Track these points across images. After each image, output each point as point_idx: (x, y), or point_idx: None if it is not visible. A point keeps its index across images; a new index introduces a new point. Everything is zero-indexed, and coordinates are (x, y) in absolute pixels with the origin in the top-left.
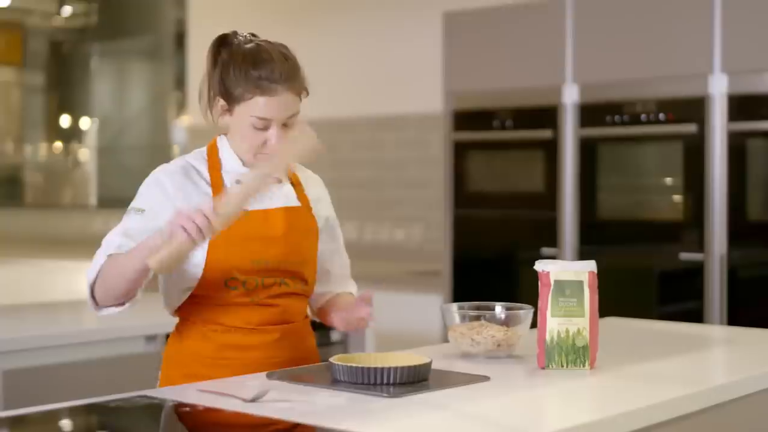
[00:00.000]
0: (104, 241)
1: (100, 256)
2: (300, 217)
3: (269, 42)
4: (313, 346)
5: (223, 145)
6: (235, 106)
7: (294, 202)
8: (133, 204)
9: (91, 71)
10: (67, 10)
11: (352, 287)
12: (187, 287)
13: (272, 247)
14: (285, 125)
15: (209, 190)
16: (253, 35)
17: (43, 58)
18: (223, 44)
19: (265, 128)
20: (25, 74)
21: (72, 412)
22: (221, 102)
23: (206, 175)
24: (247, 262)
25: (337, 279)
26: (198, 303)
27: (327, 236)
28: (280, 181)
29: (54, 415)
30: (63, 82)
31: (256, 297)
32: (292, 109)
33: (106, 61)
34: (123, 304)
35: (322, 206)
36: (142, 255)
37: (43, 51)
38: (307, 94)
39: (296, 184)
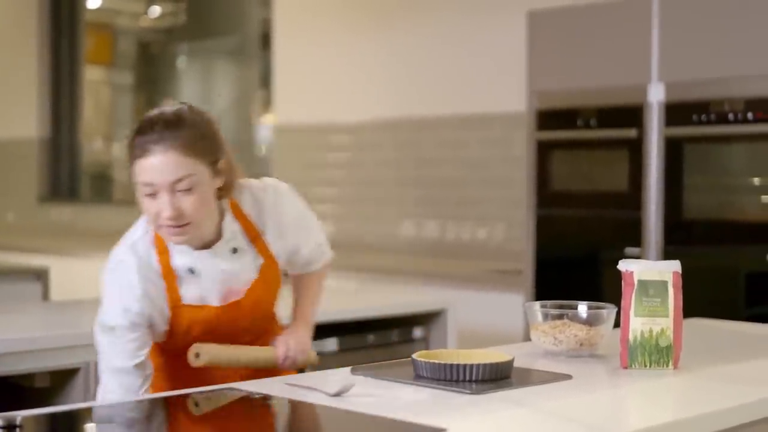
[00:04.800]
0: (108, 376)
1: (105, 397)
2: (260, 287)
3: (187, 107)
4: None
5: None
6: (133, 177)
7: (253, 272)
8: (103, 317)
9: (177, 70)
10: (155, 10)
11: (315, 266)
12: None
13: (240, 337)
14: (181, 191)
15: (161, 283)
16: (182, 104)
17: (132, 57)
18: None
19: (153, 195)
20: (114, 73)
21: (160, 403)
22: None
23: (154, 262)
24: (213, 345)
25: (302, 264)
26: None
27: (283, 243)
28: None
29: (144, 406)
30: (151, 82)
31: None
32: (177, 172)
33: (192, 60)
34: None
35: (277, 230)
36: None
37: (131, 51)
38: (215, 159)
39: (254, 238)
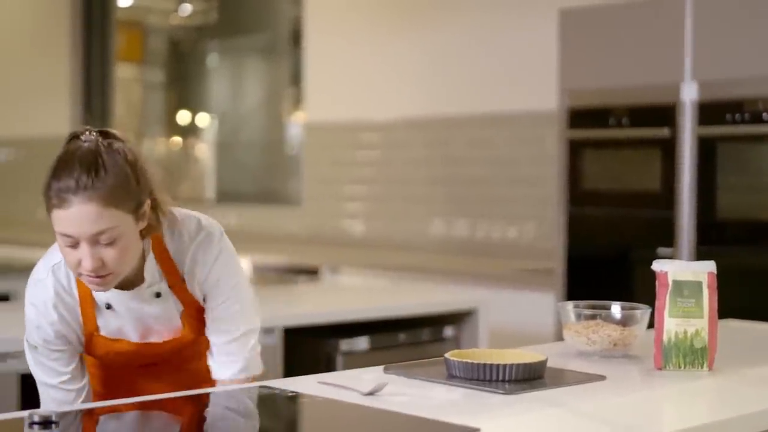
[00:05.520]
0: (41, 389)
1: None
2: (186, 336)
3: (105, 146)
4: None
5: None
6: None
7: (175, 322)
8: (27, 335)
9: (208, 68)
10: (186, 8)
11: (230, 334)
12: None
13: (160, 365)
14: (105, 244)
15: (78, 311)
16: (105, 135)
17: (163, 55)
18: (65, 143)
19: (74, 246)
20: (145, 71)
21: (194, 400)
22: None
23: (75, 294)
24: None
25: (213, 323)
26: None
27: (211, 298)
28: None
29: (178, 403)
30: (181, 79)
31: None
32: (99, 225)
33: (223, 58)
34: None
35: (200, 277)
36: None
37: (162, 48)
38: (139, 203)
39: (175, 284)
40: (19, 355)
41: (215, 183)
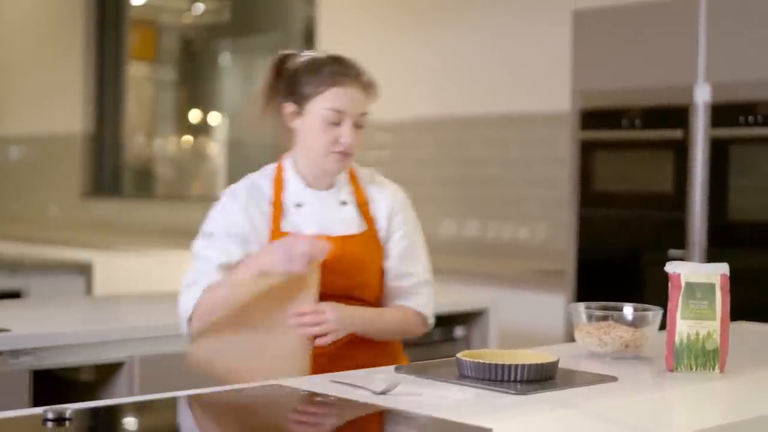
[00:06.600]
0: (191, 274)
1: (190, 290)
2: (356, 245)
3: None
4: (390, 350)
5: (288, 166)
6: (307, 104)
7: (354, 228)
8: (204, 228)
9: (220, 67)
10: (198, 7)
11: (412, 302)
12: None
13: (324, 275)
14: (356, 125)
15: (269, 209)
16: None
17: (175, 54)
18: (287, 59)
19: (338, 123)
20: (157, 70)
21: (206, 398)
22: (290, 107)
23: (268, 192)
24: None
25: (401, 295)
26: None
27: (398, 253)
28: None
29: (189, 401)
30: (193, 78)
31: None
32: (364, 106)
33: (235, 57)
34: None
35: (395, 223)
36: (239, 289)
37: (174, 47)
38: (376, 98)
39: (362, 204)
40: (32, 351)
41: (226, 181)
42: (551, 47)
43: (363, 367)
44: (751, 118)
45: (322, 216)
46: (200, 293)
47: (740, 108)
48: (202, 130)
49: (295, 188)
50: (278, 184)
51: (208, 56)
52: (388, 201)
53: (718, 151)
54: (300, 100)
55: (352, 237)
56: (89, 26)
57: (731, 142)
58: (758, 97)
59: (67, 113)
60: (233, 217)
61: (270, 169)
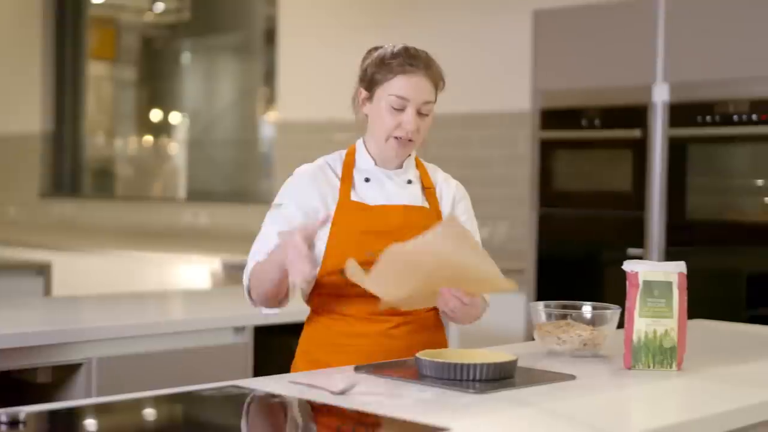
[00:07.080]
0: (254, 245)
1: (250, 262)
2: (420, 217)
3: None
4: (439, 339)
5: (360, 146)
6: (376, 90)
7: (418, 202)
8: (276, 200)
9: (181, 66)
10: (159, 6)
11: None
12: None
13: (385, 241)
14: (420, 113)
15: (338, 182)
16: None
17: (135, 53)
18: (374, 49)
19: (402, 109)
20: (117, 69)
21: (164, 400)
22: (363, 93)
23: (339, 170)
24: (362, 254)
25: None
26: (321, 294)
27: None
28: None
29: (147, 403)
30: (154, 77)
31: None
32: (428, 95)
33: (196, 56)
34: (280, 303)
35: (459, 208)
36: (275, 267)
37: (135, 46)
38: (443, 88)
39: (428, 186)
40: None
41: (187, 181)
42: (511, 47)
43: (415, 348)
44: (708, 118)
45: (388, 189)
46: (252, 266)
47: (698, 107)
48: (162, 129)
49: (363, 165)
50: (349, 160)
51: (169, 55)
52: (453, 189)
53: (676, 151)
54: (371, 86)
55: (415, 208)
56: (48, 25)
57: (689, 141)
58: (716, 97)
59: (26, 112)
60: (302, 189)
61: (341, 152)
